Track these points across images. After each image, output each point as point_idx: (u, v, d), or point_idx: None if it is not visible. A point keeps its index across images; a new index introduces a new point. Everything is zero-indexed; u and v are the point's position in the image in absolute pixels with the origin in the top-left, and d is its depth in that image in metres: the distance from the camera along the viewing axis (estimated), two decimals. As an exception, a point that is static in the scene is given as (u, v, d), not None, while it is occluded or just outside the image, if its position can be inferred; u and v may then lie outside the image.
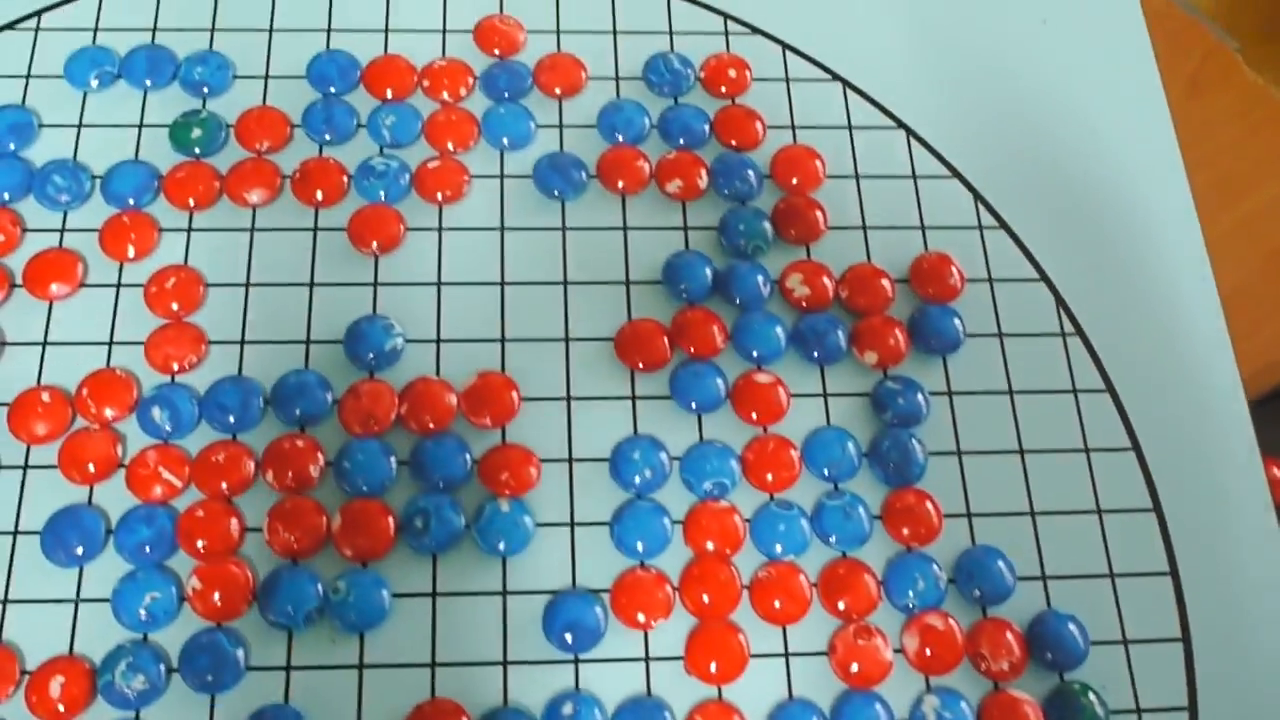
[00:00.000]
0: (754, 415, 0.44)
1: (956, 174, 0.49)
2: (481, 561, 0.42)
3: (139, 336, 0.45)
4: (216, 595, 0.40)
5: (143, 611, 0.40)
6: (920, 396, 0.45)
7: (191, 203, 0.47)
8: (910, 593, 0.42)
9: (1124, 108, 0.52)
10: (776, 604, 0.42)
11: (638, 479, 0.43)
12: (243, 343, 0.45)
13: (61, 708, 0.39)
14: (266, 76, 0.50)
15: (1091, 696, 0.41)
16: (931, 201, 0.49)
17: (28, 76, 0.49)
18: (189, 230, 0.47)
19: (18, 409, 0.43)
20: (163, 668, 0.39)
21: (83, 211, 0.47)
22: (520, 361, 0.45)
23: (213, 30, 0.51)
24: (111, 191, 0.47)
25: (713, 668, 0.41)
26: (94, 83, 0.49)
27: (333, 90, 0.49)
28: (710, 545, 0.42)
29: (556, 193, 0.47)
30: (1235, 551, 0.44)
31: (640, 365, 0.45)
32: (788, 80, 0.51)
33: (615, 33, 0.52)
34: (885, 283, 0.47)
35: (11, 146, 0.48)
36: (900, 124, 0.50)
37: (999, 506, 0.44)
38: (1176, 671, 0.42)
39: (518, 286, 0.46)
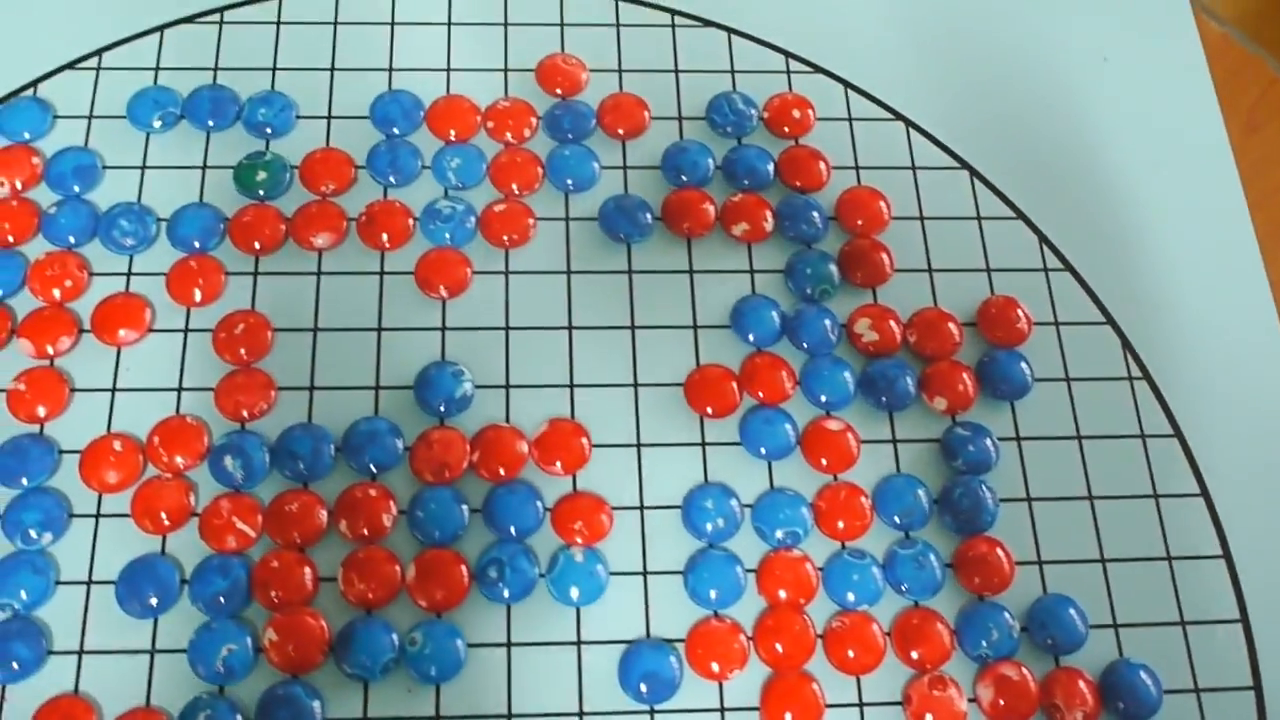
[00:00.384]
0: (824, 462, 0.44)
1: (1021, 215, 0.49)
2: (555, 611, 0.42)
3: (208, 382, 0.44)
4: (292, 647, 0.40)
5: (220, 664, 0.40)
6: (990, 443, 0.45)
7: (257, 246, 0.47)
8: (984, 642, 0.42)
9: (1185, 145, 0.52)
10: (850, 654, 0.42)
11: (710, 527, 0.43)
12: (312, 388, 0.45)
13: (142, 762, 0.38)
14: (329, 117, 0.49)
15: (1166, 746, 0.41)
16: (996, 243, 0.49)
17: (90, 117, 0.49)
18: (255, 274, 0.46)
19: (90, 457, 0.43)
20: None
21: (149, 255, 0.47)
22: (589, 407, 0.45)
23: (274, 70, 0.50)
24: (178, 235, 0.47)
25: (788, 719, 0.40)
26: (157, 124, 0.49)
27: (396, 131, 0.49)
28: (783, 594, 0.42)
29: (622, 235, 0.47)
30: (1307, 598, 0.43)
31: (709, 411, 0.45)
32: (850, 120, 0.51)
33: (677, 71, 0.51)
34: (952, 326, 0.47)
35: (76, 189, 0.48)
36: (964, 164, 0.50)
37: (1069, 553, 0.44)
38: (1248, 719, 0.42)
39: (585, 331, 0.46)
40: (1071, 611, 0.43)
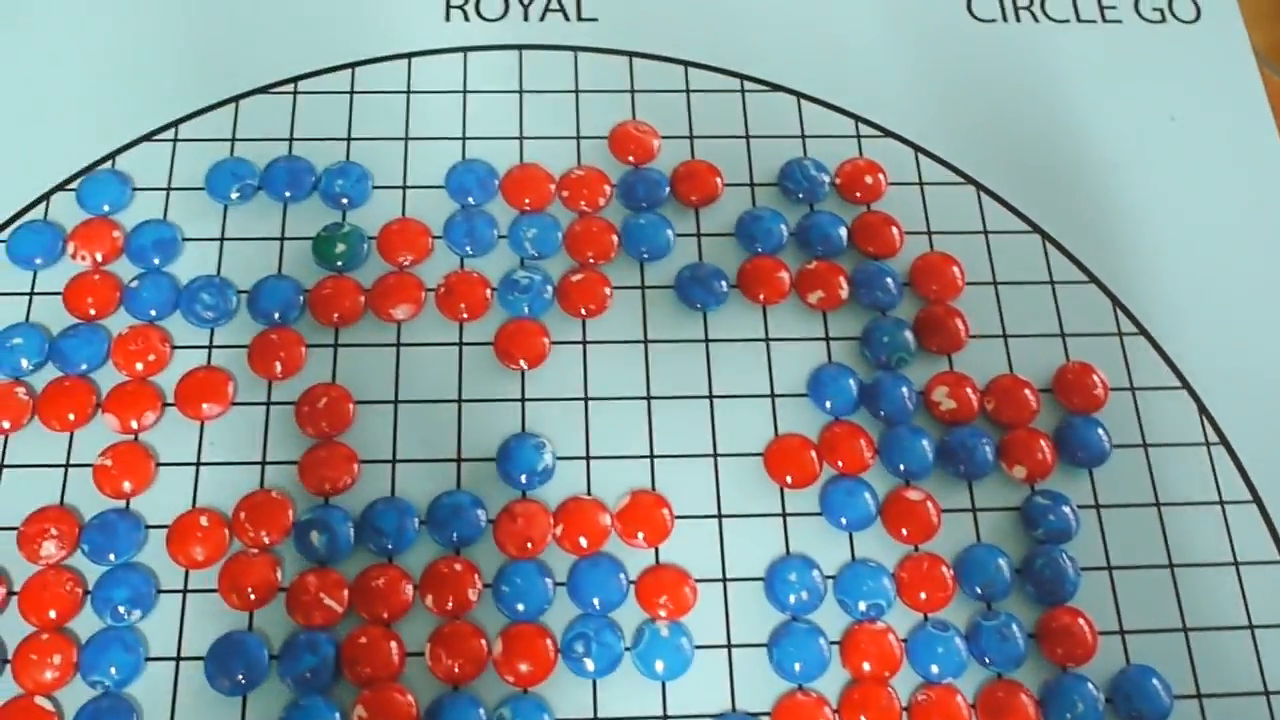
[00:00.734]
0: (904, 532, 0.44)
1: (1093, 278, 0.49)
2: (641, 685, 0.42)
3: (291, 456, 0.45)
4: (382, 724, 0.40)
5: (310, 741, 0.40)
6: (1070, 511, 0.45)
7: (337, 318, 0.47)
8: (1069, 715, 0.43)
9: (1255, 204, 0.52)
10: (936, 727, 0.41)
11: (793, 599, 0.43)
12: (394, 461, 0.45)
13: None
14: (404, 186, 0.50)
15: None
16: (1070, 307, 0.49)
17: (168, 189, 0.50)
18: (335, 346, 0.47)
19: (177, 533, 0.43)
20: (333, 798, 0.39)
21: (229, 328, 0.47)
22: (670, 478, 0.45)
23: (349, 139, 0.51)
24: (258, 308, 0.47)
25: (875, 792, 0.40)
26: (235, 195, 0.49)
27: (471, 200, 0.49)
28: (868, 667, 0.43)
29: (698, 304, 0.48)
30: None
31: (789, 481, 0.45)
32: (921, 184, 0.51)
33: (748, 137, 0.52)
34: (1029, 393, 0.47)
35: (156, 262, 0.48)
36: (1035, 227, 0.50)
37: (1151, 623, 0.44)
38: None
39: (663, 400, 0.46)
40: (1155, 682, 0.43)
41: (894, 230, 0.50)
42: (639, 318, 0.48)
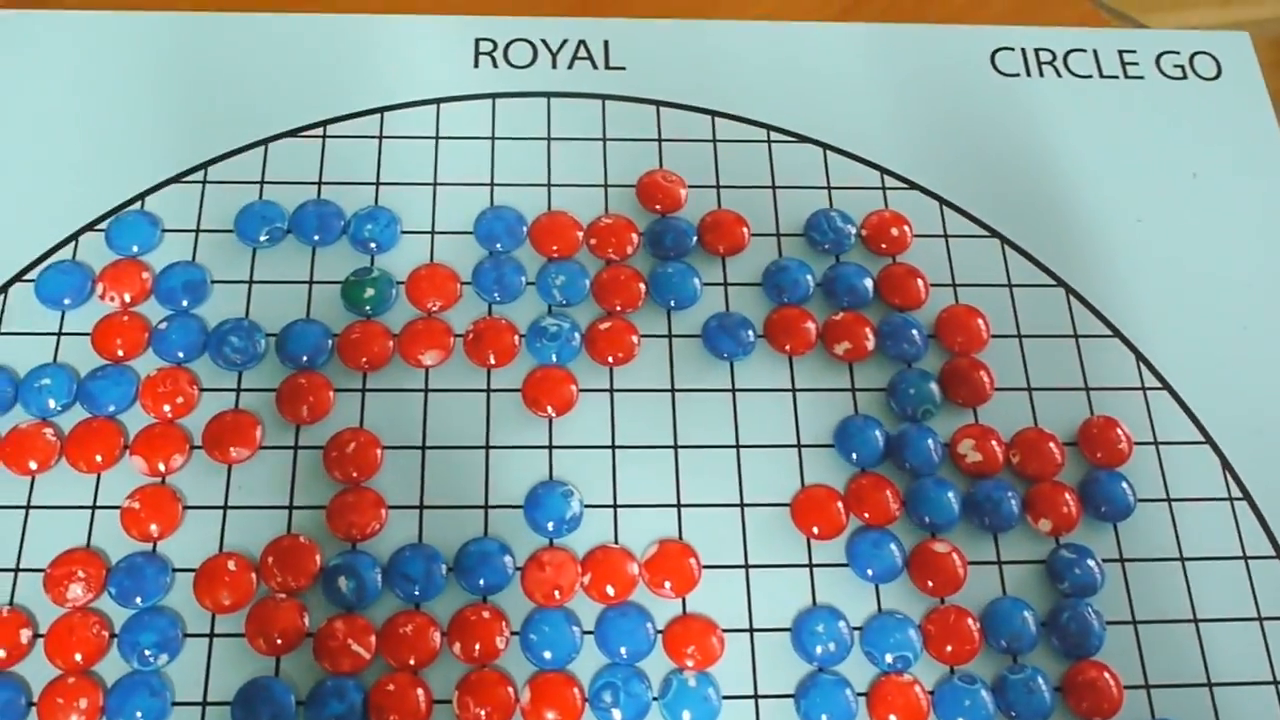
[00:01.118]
0: (930, 584, 0.44)
1: (1117, 332, 0.50)
2: (668, 736, 0.42)
3: (318, 500, 0.45)
4: (409, 772, 0.40)
5: (338, 790, 0.40)
6: (1094, 565, 0.45)
7: (365, 363, 0.47)
8: (1096, 770, 0.42)
9: (1276, 260, 0.52)
10: (963, 781, 0.41)
11: (820, 650, 0.43)
12: (421, 507, 0.45)
13: None
14: (433, 232, 0.50)
15: None
16: (1093, 361, 0.49)
17: (197, 230, 0.50)
18: (363, 391, 0.47)
19: (204, 577, 0.43)
20: None
21: (257, 371, 0.47)
22: (697, 527, 0.45)
23: (377, 184, 0.51)
24: (286, 352, 0.47)
25: (903, 847, 0.40)
26: (264, 238, 0.49)
27: (499, 247, 0.49)
28: (894, 719, 0.42)
29: (725, 354, 0.48)
30: None
31: (816, 532, 0.45)
32: (946, 236, 0.51)
33: (774, 187, 0.52)
34: (1053, 447, 0.47)
35: (185, 304, 0.48)
36: (1059, 281, 0.51)
37: (1176, 677, 0.44)
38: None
39: (690, 450, 0.46)
40: (1181, 737, 0.42)
41: (919, 282, 0.50)
42: (666, 366, 0.48)
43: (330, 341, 0.48)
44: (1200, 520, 0.47)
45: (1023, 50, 0.57)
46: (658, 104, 0.54)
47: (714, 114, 0.54)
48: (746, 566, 0.45)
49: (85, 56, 0.54)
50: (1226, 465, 0.48)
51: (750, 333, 0.49)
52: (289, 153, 0.52)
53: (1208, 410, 0.49)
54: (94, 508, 0.45)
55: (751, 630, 0.44)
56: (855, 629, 0.44)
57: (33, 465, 0.45)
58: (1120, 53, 0.58)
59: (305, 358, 0.47)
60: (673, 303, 0.49)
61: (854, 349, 0.49)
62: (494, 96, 0.54)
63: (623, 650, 0.43)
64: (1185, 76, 0.57)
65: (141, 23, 0.55)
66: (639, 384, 0.48)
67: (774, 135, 0.54)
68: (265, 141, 0.52)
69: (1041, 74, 0.57)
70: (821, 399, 0.48)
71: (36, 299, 0.48)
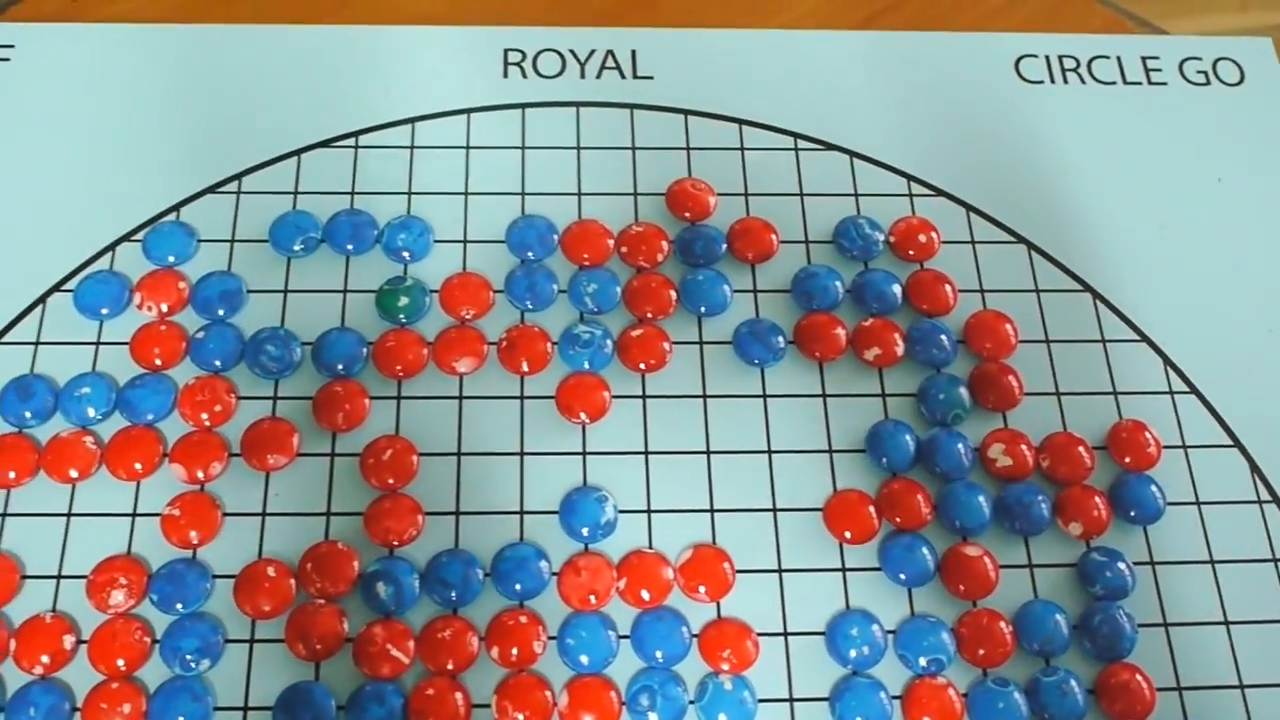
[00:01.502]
0: (962, 588, 0.45)
1: (1144, 337, 0.50)
2: (705, 739, 0.42)
3: (355, 507, 0.45)
4: (449, 775, 0.41)
5: (379, 793, 0.40)
6: (1125, 568, 0.45)
7: (400, 370, 0.47)
8: (1129, 771, 0.42)
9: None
10: (997, 782, 0.42)
11: (854, 654, 0.44)
12: (458, 513, 0.45)
13: None
14: (465, 241, 0.51)
15: None
16: (1121, 365, 0.50)
17: (232, 241, 0.50)
18: (398, 398, 0.47)
19: (244, 583, 0.44)
20: None
21: (294, 380, 0.48)
22: (730, 532, 0.46)
23: (409, 194, 0.51)
24: (322, 360, 0.48)
25: None
26: (298, 248, 0.50)
27: (531, 255, 0.50)
28: (928, 722, 0.43)
29: (756, 360, 0.48)
30: None
31: (848, 536, 0.45)
32: (973, 242, 0.52)
33: (802, 195, 0.52)
34: (1083, 451, 0.48)
35: (221, 313, 0.48)
36: (1086, 286, 0.51)
37: (1207, 679, 0.45)
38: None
39: (723, 455, 0.47)
40: (1213, 739, 0.43)
41: (947, 288, 0.50)
42: (697, 373, 0.49)
43: (365, 349, 0.48)
44: (1229, 523, 0.47)
45: (1046, 57, 0.58)
46: (686, 113, 0.55)
47: (741, 122, 0.55)
48: (780, 571, 0.45)
49: (122, 70, 0.55)
50: (1255, 468, 0.48)
51: (780, 339, 0.49)
52: (321, 163, 0.53)
53: (1235, 414, 0.49)
54: (134, 515, 0.45)
55: (786, 634, 0.44)
56: (889, 632, 0.44)
57: (73, 473, 0.46)
58: (1143, 59, 0.58)
59: (341, 366, 0.48)
60: (703, 309, 0.50)
61: (884, 354, 0.49)
62: (524, 106, 0.54)
63: (658, 654, 0.43)
64: (1208, 82, 0.57)
65: (176, 36, 0.56)
66: (671, 390, 0.48)
67: (801, 143, 0.54)
68: (298, 152, 0.53)
69: (1065, 81, 0.57)
70: (852, 404, 0.48)
71: (75, 309, 0.49)
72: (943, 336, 0.49)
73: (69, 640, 0.43)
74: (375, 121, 0.53)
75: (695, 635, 0.44)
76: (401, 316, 0.48)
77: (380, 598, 0.43)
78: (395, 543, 0.45)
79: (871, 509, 0.46)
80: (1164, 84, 0.57)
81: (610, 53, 0.56)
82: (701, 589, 0.44)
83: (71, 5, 0.58)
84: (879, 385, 0.49)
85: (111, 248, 0.50)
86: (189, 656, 0.43)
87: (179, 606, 0.44)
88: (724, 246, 0.51)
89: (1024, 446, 0.47)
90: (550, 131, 0.54)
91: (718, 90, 0.55)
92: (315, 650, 0.43)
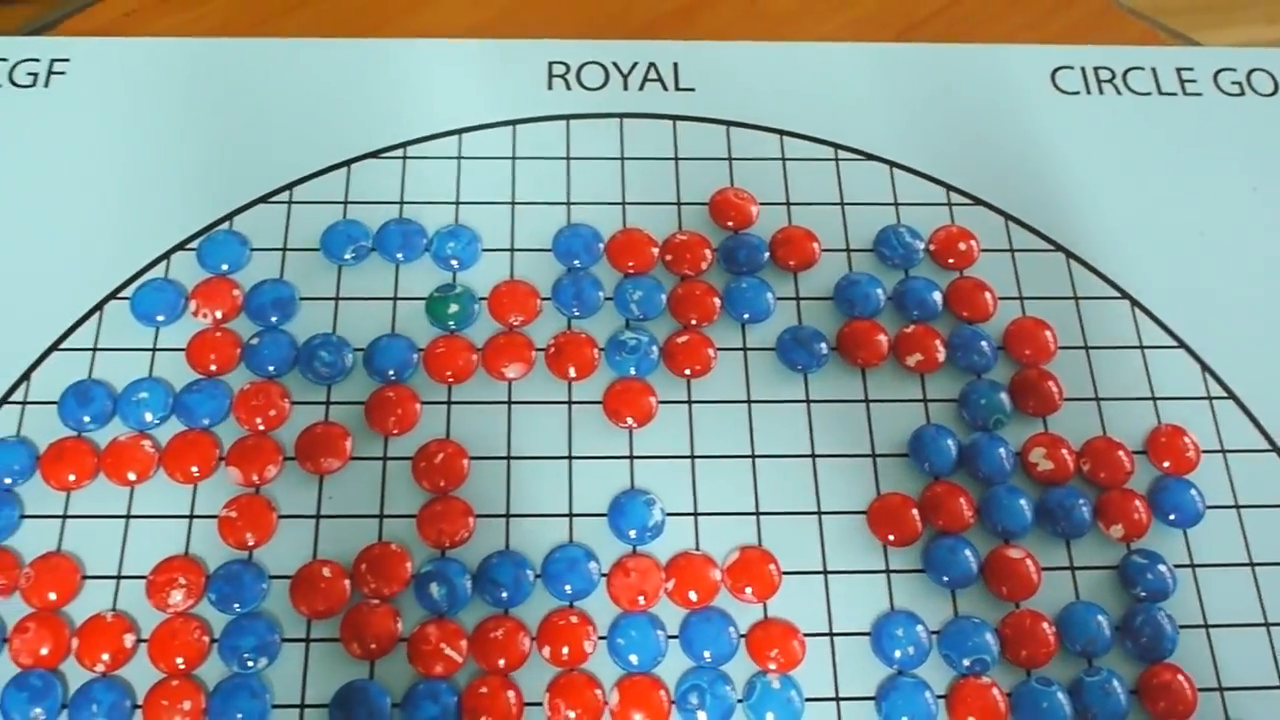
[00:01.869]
0: (1004, 590, 0.45)
1: (1182, 343, 0.51)
2: (753, 737, 0.43)
3: (408, 509, 0.46)
4: (503, 772, 0.41)
5: (435, 789, 0.41)
6: (1166, 570, 0.46)
7: (450, 376, 0.48)
8: (1173, 770, 0.43)
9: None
10: (1042, 781, 0.42)
11: (899, 654, 0.44)
12: (508, 516, 0.46)
13: None
14: (512, 249, 0.52)
15: None
16: (1159, 372, 0.50)
17: (284, 249, 0.51)
18: (449, 403, 0.48)
19: (300, 583, 0.45)
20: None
21: (345, 385, 0.48)
22: (776, 534, 0.46)
23: (457, 203, 0.52)
24: (374, 366, 0.48)
25: (985, 846, 0.41)
26: (349, 256, 0.51)
27: (577, 264, 0.51)
28: (973, 721, 0.43)
29: (800, 366, 0.49)
30: None
31: (892, 539, 0.46)
32: (1012, 251, 0.52)
33: (843, 204, 0.53)
34: (1123, 455, 0.48)
35: (274, 320, 0.49)
36: (1124, 293, 0.52)
37: (1249, 680, 0.45)
38: None
39: (768, 459, 0.48)
40: (1255, 739, 0.43)
41: (987, 295, 0.51)
42: (742, 379, 0.49)
43: (416, 356, 0.49)
44: (1269, 526, 0.48)
45: (1082, 69, 0.59)
46: (727, 124, 0.56)
47: (782, 133, 0.56)
48: (825, 572, 0.46)
49: (176, 83, 0.56)
50: (1294, 473, 0.49)
51: (823, 345, 0.50)
52: (370, 173, 0.54)
53: (1273, 419, 0.50)
54: (191, 517, 0.46)
55: (832, 634, 0.45)
56: (933, 633, 0.45)
57: (132, 476, 0.47)
58: (1178, 70, 0.59)
59: (392, 372, 0.49)
60: (747, 316, 0.50)
61: (925, 360, 0.50)
62: (568, 118, 0.56)
63: (706, 654, 0.44)
64: (1243, 93, 0.58)
65: (228, 50, 0.57)
66: (716, 396, 0.49)
67: (841, 153, 0.55)
68: (348, 163, 0.54)
69: (1101, 92, 0.58)
70: (894, 409, 0.49)
71: (132, 315, 0.50)
72: (983, 343, 0.50)
73: (129, 639, 0.44)
74: (423, 133, 0.54)
75: (743, 635, 0.45)
76: (451, 323, 0.49)
77: (433, 598, 0.44)
78: (447, 544, 0.45)
79: (915, 512, 0.47)
80: (1199, 94, 0.58)
81: (652, 65, 0.57)
82: (748, 590, 0.45)
83: (123, 20, 0.59)
84: (920, 391, 0.49)
85: (166, 256, 0.51)
86: (247, 655, 0.43)
87: (236, 606, 0.44)
88: (766, 255, 0.52)
89: (1065, 451, 0.48)
90: (594, 142, 0.55)
91: (758, 102, 0.56)
92: (370, 649, 0.44)
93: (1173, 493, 0.48)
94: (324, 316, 0.50)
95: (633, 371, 0.49)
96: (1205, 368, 0.51)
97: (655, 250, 0.52)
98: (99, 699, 0.43)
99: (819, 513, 0.47)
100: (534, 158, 0.54)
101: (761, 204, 0.53)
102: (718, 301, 0.51)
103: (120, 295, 0.50)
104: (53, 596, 0.44)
